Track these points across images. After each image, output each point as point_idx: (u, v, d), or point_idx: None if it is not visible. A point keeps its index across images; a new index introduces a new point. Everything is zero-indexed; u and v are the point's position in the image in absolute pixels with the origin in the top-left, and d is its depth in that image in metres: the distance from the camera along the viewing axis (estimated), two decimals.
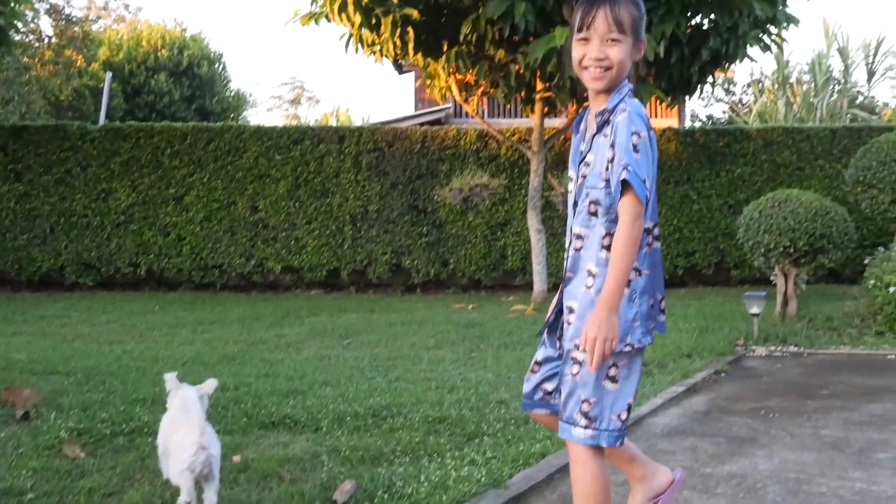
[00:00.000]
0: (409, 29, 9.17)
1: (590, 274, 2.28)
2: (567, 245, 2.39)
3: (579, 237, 2.33)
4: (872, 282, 7.41)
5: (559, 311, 2.45)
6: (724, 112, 29.95)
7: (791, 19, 9.66)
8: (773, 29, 9.87)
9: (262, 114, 39.14)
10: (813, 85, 21.46)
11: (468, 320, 8.90)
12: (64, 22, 16.49)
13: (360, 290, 12.55)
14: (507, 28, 8.66)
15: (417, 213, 12.34)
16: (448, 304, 10.79)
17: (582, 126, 2.44)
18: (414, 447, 3.72)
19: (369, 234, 12.31)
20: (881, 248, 8.21)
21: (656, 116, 16.76)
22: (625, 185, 2.16)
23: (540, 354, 2.52)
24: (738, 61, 10.19)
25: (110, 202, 12.29)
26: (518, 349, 6.96)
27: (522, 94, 10.51)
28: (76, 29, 16.84)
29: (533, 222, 10.59)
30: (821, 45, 21.15)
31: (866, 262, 8.03)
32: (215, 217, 12.31)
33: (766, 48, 10.19)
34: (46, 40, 16.43)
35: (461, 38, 9.17)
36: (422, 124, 14.40)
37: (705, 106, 31.30)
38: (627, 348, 2.23)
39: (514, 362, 6.24)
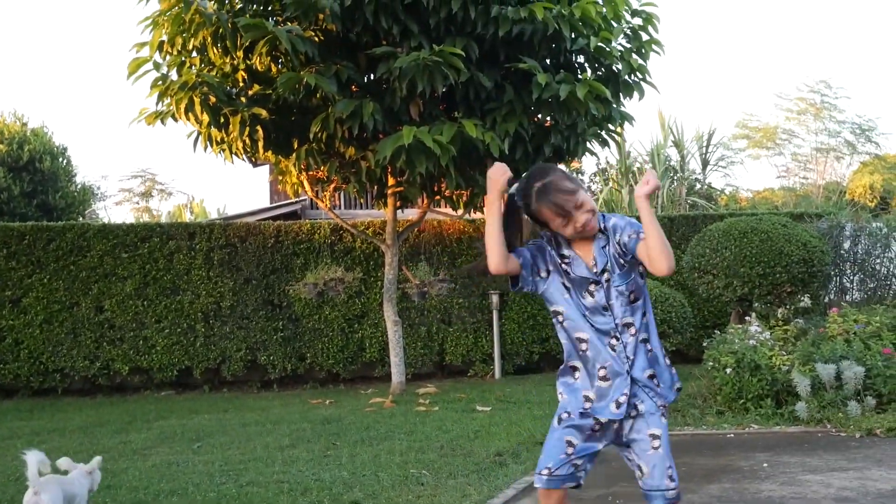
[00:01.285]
0: (258, 128, 9.30)
1: (645, 342, 2.93)
2: (619, 336, 2.90)
3: (629, 325, 2.90)
4: (711, 363, 7.95)
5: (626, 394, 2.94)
6: None
7: (626, 117, 10.49)
8: (610, 126, 10.65)
9: (112, 207, 37.67)
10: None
11: (325, 416, 8.82)
12: None
13: (213, 388, 12.16)
14: (356, 126, 8.96)
15: (272, 307, 12.21)
16: (305, 399, 10.65)
17: (567, 252, 2.99)
18: None
19: (223, 330, 12.03)
20: (717, 331, 8.83)
21: None
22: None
23: (572, 436, 3.04)
24: (579, 156, 10.89)
25: None
26: (375, 444, 6.97)
27: (374, 189, 10.79)
28: None
29: (389, 314, 10.72)
30: (658, 135, 22.79)
31: (705, 344, 8.61)
32: (56, 319, 11.69)
33: (604, 143, 10.96)
34: None
35: (311, 136, 9.38)
36: (276, 217, 14.42)
37: None
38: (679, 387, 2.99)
39: (369, 459, 6.25)
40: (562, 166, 11.85)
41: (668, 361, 2.96)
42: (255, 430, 8.08)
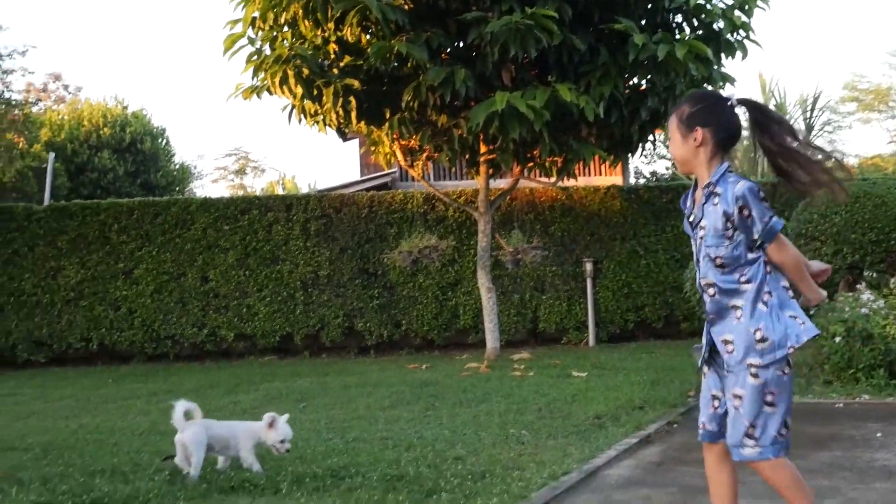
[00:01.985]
0: (351, 98, 9.44)
1: (735, 308, 2.81)
2: (701, 293, 2.93)
3: (711, 285, 2.87)
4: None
5: (710, 347, 2.93)
6: (667, 168, 30.92)
7: (727, 78, 10.19)
8: (709, 88, 10.36)
9: (208, 185, 39.01)
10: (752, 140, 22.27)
11: (422, 380, 8.98)
12: (4, 106, 16.44)
13: (313, 354, 12.55)
14: (448, 94, 9.00)
15: (368, 276, 12.48)
16: (402, 364, 10.86)
17: (689, 201, 3.04)
18: None
19: (321, 298, 12.38)
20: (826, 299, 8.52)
21: (599, 175, 17.29)
22: (774, 234, 2.77)
23: (712, 389, 2.97)
24: None
25: (59, 279, 12.19)
26: (473, 406, 7.08)
27: (466, 157, 10.84)
28: (16, 112, 16.80)
29: (483, 281, 10.80)
30: (759, 99, 21.85)
31: (811, 312, 8.35)
32: (166, 289, 12.27)
33: None
34: None
35: (403, 105, 9.48)
36: (368, 189, 14.64)
37: (648, 163, 32.27)
38: (790, 350, 2.75)
39: (469, 419, 6.36)
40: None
41: (773, 324, 2.77)
42: (355, 392, 8.31)
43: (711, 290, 2.86)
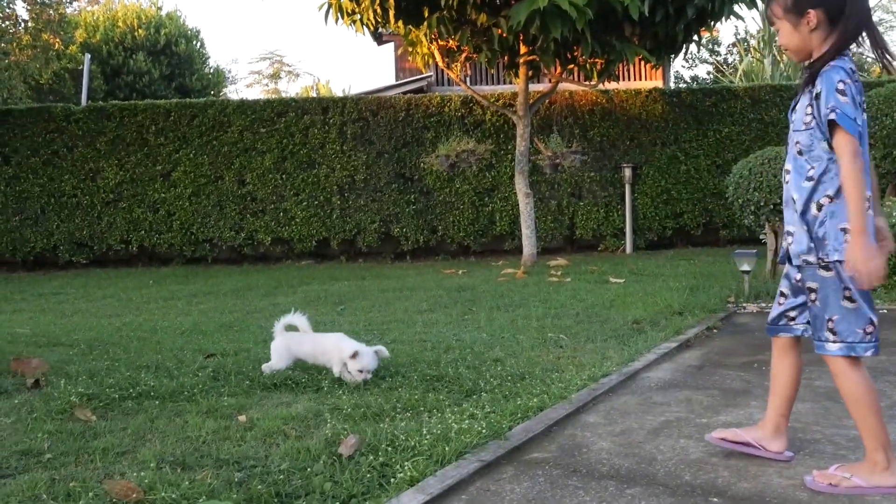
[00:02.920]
0: None
1: (793, 200, 2.76)
2: (783, 178, 2.86)
3: (787, 171, 2.81)
4: None
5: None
6: (708, 73, 29.93)
7: None
8: None
9: (242, 90, 38.96)
10: None
11: (459, 285, 9.00)
12: (39, 5, 16.25)
13: (350, 258, 12.63)
14: None
15: (404, 181, 12.39)
16: (438, 270, 10.88)
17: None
18: (414, 404, 3.81)
19: (357, 203, 12.35)
20: None
21: (641, 78, 16.78)
22: (834, 126, 2.56)
23: (784, 286, 2.94)
24: (723, 19, 10.18)
25: (98, 181, 12.29)
26: (510, 310, 7.07)
27: (506, 58, 10.53)
28: (51, 12, 16.62)
29: (521, 186, 10.66)
30: None
31: None
32: (203, 192, 12.32)
33: (752, 4, 10.18)
34: (23, 25, 16.21)
35: (442, 3, 9.16)
36: (404, 93, 14.38)
37: (689, 68, 31.22)
38: (820, 259, 2.67)
39: (507, 323, 6.35)
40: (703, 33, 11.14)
41: (827, 224, 2.68)
42: (393, 296, 8.35)
43: (787, 178, 2.83)
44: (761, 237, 8.56)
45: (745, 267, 7.13)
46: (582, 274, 9.54)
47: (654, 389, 4.25)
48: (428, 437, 3.17)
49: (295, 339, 4.51)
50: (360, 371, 4.15)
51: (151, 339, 5.61)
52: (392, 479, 2.79)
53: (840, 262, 2.65)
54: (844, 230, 2.63)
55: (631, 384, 4.36)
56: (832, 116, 2.56)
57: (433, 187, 12.28)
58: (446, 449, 3.02)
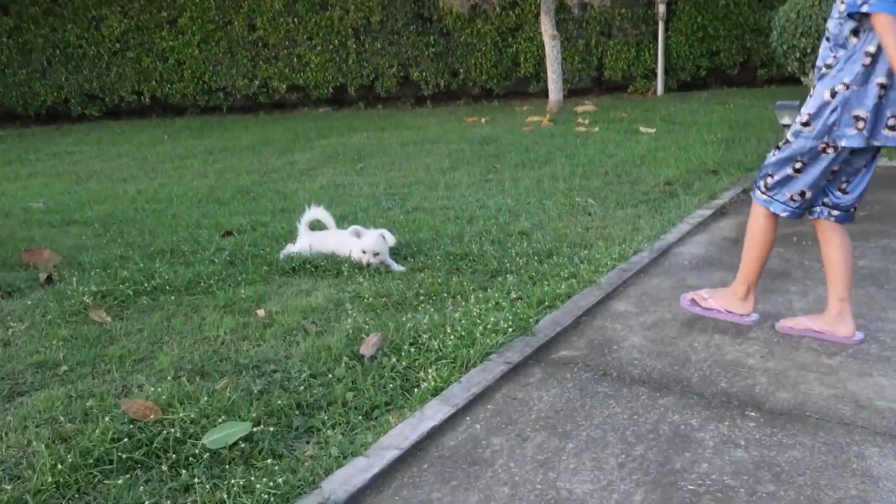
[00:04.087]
0: None
1: (814, 86, 2.83)
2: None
3: (819, 57, 2.86)
4: None
5: None
6: None
7: None
8: None
9: None
10: None
11: (482, 136, 8.69)
12: None
13: (368, 104, 12.25)
14: None
15: (423, 22, 11.75)
16: (460, 117, 10.52)
17: None
18: (437, 289, 3.68)
19: (374, 47, 11.80)
20: None
21: None
22: (870, 16, 2.58)
23: None
24: None
25: (103, 30, 11.78)
26: (536, 168, 6.82)
27: None
28: None
29: (546, 27, 10.06)
30: None
31: None
32: (213, 38, 11.80)
33: None
34: None
35: None
36: None
37: None
38: (821, 146, 2.79)
39: (532, 185, 6.12)
40: None
41: (824, 115, 2.78)
42: (413, 151, 8.10)
43: (818, 62, 2.86)
44: (805, 83, 8.07)
45: (786, 120, 6.72)
46: (611, 122, 9.17)
47: (688, 269, 4.07)
48: (452, 336, 3.05)
49: (318, 239, 4.35)
50: (364, 252, 4.00)
51: (167, 212, 5.47)
52: (416, 389, 2.69)
53: (846, 148, 2.77)
54: (857, 118, 2.69)
55: (664, 262, 4.19)
56: (865, 9, 2.58)
57: (453, 28, 11.65)
58: (471, 352, 2.90)
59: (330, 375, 2.80)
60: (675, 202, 5.37)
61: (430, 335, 3.08)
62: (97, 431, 2.33)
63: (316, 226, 4.53)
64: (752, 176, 6.17)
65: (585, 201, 5.55)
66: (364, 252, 4.01)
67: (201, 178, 7.14)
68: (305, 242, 4.30)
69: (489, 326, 3.13)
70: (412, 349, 2.98)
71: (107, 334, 3.15)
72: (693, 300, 3.27)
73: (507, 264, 4.07)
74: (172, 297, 3.53)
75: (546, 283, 3.73)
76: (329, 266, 4.05)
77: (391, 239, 4.01)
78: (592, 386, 2.77)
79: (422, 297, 3.62)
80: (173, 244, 4.39)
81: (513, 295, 3.58)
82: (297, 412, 2.58)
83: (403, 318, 3.31)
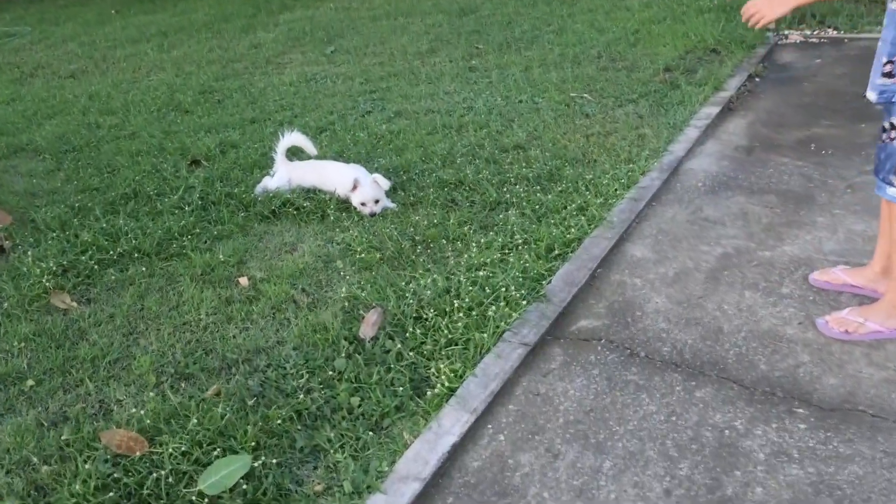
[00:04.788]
0: None
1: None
2: None
3: None
4: None
5: None
6: None
7: None
8: None
9: None
10: None
11: (460, 5, 8.03)
12: None
13: None
14: None
15: None
16: None
17: None
18: (433, 235, 3.35)
19: None
20: None
21: None
22: None
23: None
24: None
25: None
26: (522, 51, 6.31)
27: None
28: None
29: None
30: None
31: None
32: None
33: None
34: None
35: None
36: None
37: None
38: None
39: (521, 76, 5.64)
40: None
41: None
42: (387, 27, 7.48)
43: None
44: None
45: None
46: None
47: (703, 193, 3.76)
48: (460, 313, 2.75)
49: (297, 170, 3.91)
50: (363, 204, 3.62)
51: (124, 129, 4.97)
52: (428, 389, 2.43)
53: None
54: None
55: (675, 184, 3.86)
56: None
57: None
58: (484, 336, 2.62)
59: (330, 372, 2.53)
60: (677, 96, 4.97)
61: (435, 309, 2.79)
62: (78, 481, 2.06)
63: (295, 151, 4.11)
64: (756, 56, 5.74)
65: (581, 97, 5.13)
66: (364, 204, 3.63)
67: (158, 72, 6.54)
68: (284, 176, 3.90)
69: (499, 293, 2.83)
70: (417, 329, 2.70)
71: (74, 326, 2.81)
72: (845, 331, 2.57)
73: (507, 194, 3.73)
74: (143, 267, 3.16)
75: (552, 220, 3.41)
76: (313, 208, 3.68)
77: (385, 182, 3.62)
78: (620, 372, 2.52)
79: (418, 247, 3.30)
80: (136, 184, 3.95)
81: (517, 238, 3.27)
82: (298, 426, 2.32)
83: (402, 282, 3.00)
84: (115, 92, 5.92)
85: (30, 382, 2.51)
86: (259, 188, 3.90)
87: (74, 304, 2.91)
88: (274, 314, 2.88)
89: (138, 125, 5.03)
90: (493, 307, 2.76)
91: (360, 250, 3.26)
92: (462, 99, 5.24)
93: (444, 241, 3.33)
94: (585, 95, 5.14)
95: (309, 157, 4.05)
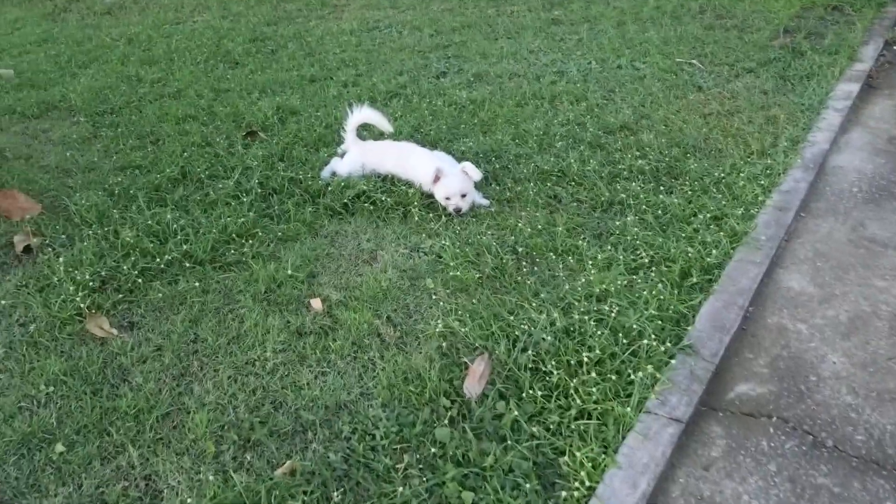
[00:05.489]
0: None
1: None
2: None
3: None
4: None
5: None
6: None
7: None
8: None
9: None
10: None
11: None
12: None
13: None
14: None
15: None
16: None
17: None
18: (538, 246, 2.78)
19: None
20: None
21: None
22: None
23: None
24: None
25: None
26: (609, 0, 5.56)
27: None
28: None
29: None
30: None
31: None
32: None
33: None
34: None
35: None
36: None
37: None
38: None
39: (615, 33, 4.93)
40: None
41: None
42: None
43: None
44: None
45: None
46: None
47: (862, 202, 3.12)
48: (588, 370, 2.19)
49: (372, 153, 3.30)
50: (448, 199, 3.03)
51: (168, 86, 4.38)
52: (561, 491, 1.89)
53: None
54: None
55: (824, 188, 3.23)
56: None
57: None
58: (626, 410, 2.06)
59: (432, 448, 2.00)
60: (803, 66, 4.26)
61: (557, 360, 2.23)
62: None
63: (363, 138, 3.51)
64: (888, 16, 4.97)
65: (689, 63, 4.44)
66: (448, 199, 3.03)
67: (202, 11, 5.91)
68: (356, 160, 3.30)
69: (633, 338, 2.27)
70: (536, 387, 2.15)
71: (114, 362, 2.29)
72: None
73: (621, 192, 3.12)
74: (195, 281, 2.61)
75: (681, 232, 2.81)
76: (393, 203, 3.09)
77: (475, 173, 3.01)
78: (806, 472, 1.96)
79: (523, 262, 2.72)
80: (184, 161, 3.38)
81: (642, 255, 2.68)
82: None
83: (508, 312, 2.44)
84: (156, 36, 5.31)
85: (59, 448, 2.00)
86: (326, 171, 3.32)
87: (114, 330, 2.38)
88: (355, 353, 2.34)
89: (184, 80, 4.43)
90: (631, 362, 2.20)
91: (454, 265, 2.69)
92: (550, 61, 4.57)
93: (553, 255, 2.75)
94: (694, 62, 4.45)
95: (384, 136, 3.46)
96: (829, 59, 4.31)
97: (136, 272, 2.59)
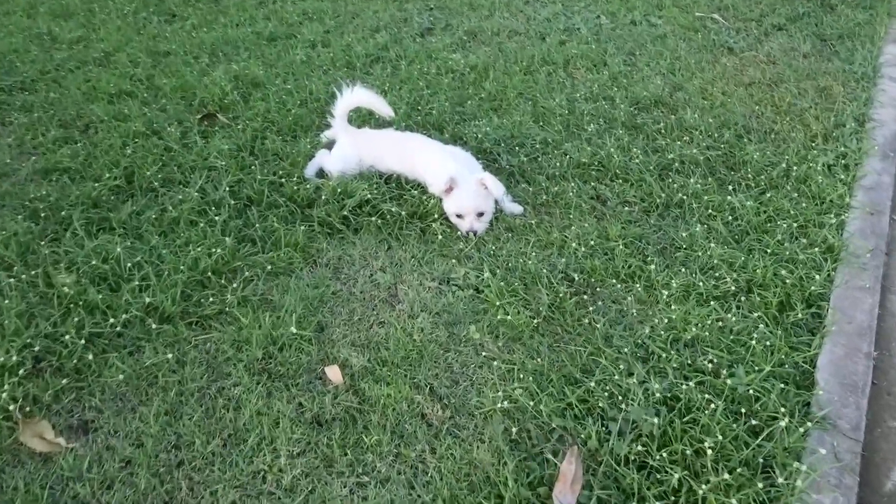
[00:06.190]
0: None
1: None
2: None
3: None
4: None
5: None
6: None
7: None
8: None
9: None
10: None
11: None
12: None
13: None
14: None
15: None
16: None
17: None
18: (597, 270, 2.22)
19: None
20: None
21: None
22: None
23: None
24: None
25: None
26: None
27: None
28: None
29: None
30: None
31: None
32: None
33: None
34: None
35: None
36: None
37: None
38: None
39: None
40: None
41: None
42: None
43: None
44: None
45: None
46: None
47: None
48: (723, 473, 1.66)
49: (369, 145, 2.60)
50: (460, 217, 2.39)
51: (91, 43, 3.55)
52: None
53: None
54: None
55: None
56: None
57: None
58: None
59: None
60: (838, 22, 3.76)
61: (669, 450, 1.69)
62: None
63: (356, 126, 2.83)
64: None
65: (710, 17, 3.86)
66: (460, 217, 2.39)
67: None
68: (349, 154, 2.61)
69: (753, 412, 1.75)
70: (650, 496, 1.61)
71: (66, 492, 1.62)
72: None
73: (677, 191, 2.56)
74: (165, 348, 1.93)
75: (763, 244, 2.30)
76: (406, 215, 2.44)
77: (497, 187, 2.33)
78: None
79: (584, 293, 2.16)
80: (128, 162, 2.62)
81: (726, 281, 2.15)
82: None
83: (586, 378, 1.88)
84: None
85: None
86: (311, 169, 2.64)
87: (61, 439, 1.70)
88: (398, 448, 1.75)
89: (110, 40, 3.60)
90: (762, 449, 1.68)
91: (500, 304, 2.10)
92: (552, 14, 3.92)
93: (615, 282, 2.19)
94: (715, 16, 3.88)
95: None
96: (866, 16, 3.80)
97: (83, 340, 1.88)
